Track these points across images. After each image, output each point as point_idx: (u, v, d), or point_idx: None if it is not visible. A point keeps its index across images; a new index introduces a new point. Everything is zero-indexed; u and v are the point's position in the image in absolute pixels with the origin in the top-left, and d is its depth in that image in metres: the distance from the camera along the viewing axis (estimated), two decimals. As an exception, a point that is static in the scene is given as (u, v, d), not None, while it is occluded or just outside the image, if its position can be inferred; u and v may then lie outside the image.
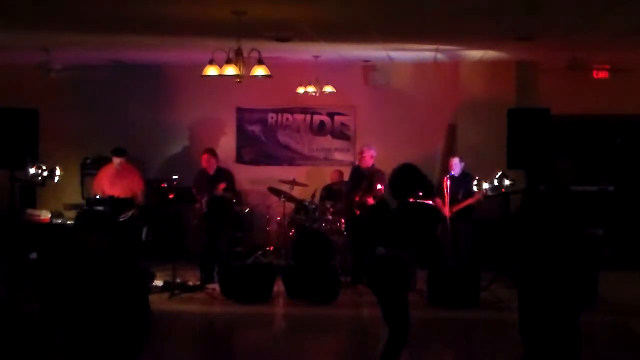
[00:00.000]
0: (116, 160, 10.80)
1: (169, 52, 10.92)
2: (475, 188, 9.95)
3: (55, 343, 5.12)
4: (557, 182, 6.15)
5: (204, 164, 10.50)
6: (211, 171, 10.48)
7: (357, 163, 10.79)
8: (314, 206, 10.95)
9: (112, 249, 5.21)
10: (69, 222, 10.81)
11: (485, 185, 9.79)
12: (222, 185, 10.51)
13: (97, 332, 4.92)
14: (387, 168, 10.95)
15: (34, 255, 9.90)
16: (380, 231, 6.11)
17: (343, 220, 10.67)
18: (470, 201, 10.13)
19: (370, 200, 10.16)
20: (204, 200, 10.27)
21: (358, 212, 10.24)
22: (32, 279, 8.93)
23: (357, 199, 10.24)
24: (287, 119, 12.74)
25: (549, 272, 5.79)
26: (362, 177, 10.40)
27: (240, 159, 12.83)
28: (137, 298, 5.12)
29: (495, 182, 9.68)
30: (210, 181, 10.36)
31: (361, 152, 10.61)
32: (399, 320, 5.97)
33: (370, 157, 10.40)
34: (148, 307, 5.23)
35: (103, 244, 5.17)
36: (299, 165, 12.65)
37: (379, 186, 10.20)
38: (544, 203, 6.08)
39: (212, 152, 10.62)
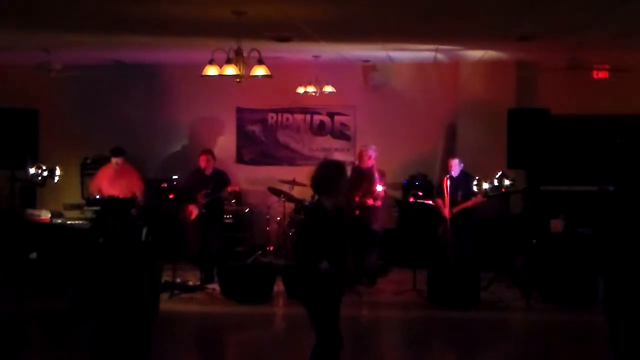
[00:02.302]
0: (114, 161, 10.78)
1: (169, 52, 10.92)
2: (475, 188, 9.94)
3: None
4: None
5: (202, 164, 10.49)
6: (208, 172, 10.48)
7: (357, 163, 10.77)
8: (314, 206, 10.93)
9: (123, 237, 5.31)
10: (69, 222, 10.81)
11: (485, 185, 9.79)
12: (235, 187, 10.55)
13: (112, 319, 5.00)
14: (388, 168, 11.08)
15: (34, 255, 9.91)
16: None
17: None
18: (468, 204, 10.11)
19: (370, 201, 10.17)
20: (202, 201, 10.27)
21: (358, 213, 10.24)
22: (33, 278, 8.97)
23: (357, 199, 10.24)
24: (287, 119, 12.74)
25: None
26: (363, 177, 10.38)
27: (240, 159, 12.83)
28: (148, 286, 5.19)
29: (495, 182, 9.68)
30: (206, 182, 10.35)
31: (360, 153, 10.60)
32: (326, 328, 5.88)
33: (369, 158, 10.39)
34: (157, 295, 5.31)
35: (117, 231, 5.28)
36: (299, 165, 12.64)
37: (379, 188, 10.21)
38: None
39: (211, 153, 10.62)
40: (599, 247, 5.99)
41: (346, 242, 5.93)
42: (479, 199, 9.95)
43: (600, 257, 5.94)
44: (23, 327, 6.34)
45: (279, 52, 9.92)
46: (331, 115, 12.66)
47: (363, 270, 10.40)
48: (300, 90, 11.25)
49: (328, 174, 5.99)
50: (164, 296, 9.51)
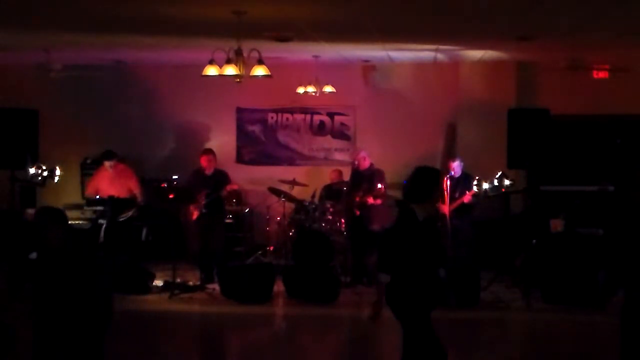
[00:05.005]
0: (107, 164, 10.75)
1: (169, 52, 10.92)
2: (475, 188, 9.95)
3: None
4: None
5: (204, 164, 10.48)
6: (209, 172, 10.47)
7: (356, 164, 10.73)
8: (314, 206, 10.95)
9: (68, 244, 5.26)
10: (69, 222, 10.79)
11: (485, 185, 9.79)
12: (234, 187, 10.57)
13: (57, 325, 4.99)
14: (387, 168, 11.07)
15: (33, 255, 9.89)
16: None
17: (343, 220, 10.69)
18: (462, 200, 10.11)
19: (370, 200, 10.17)
20: (203, 201, 10.27)
21: (358, 213, 10.25)
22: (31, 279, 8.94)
23: (357, 199, 10.25)
24: (287, 119, 12.74)
25: None
26: (362, 177, 10.41)
27: (240, 159, 12.83)
28: (95, 292, 5.16)
29: (495, 182, 9.68)
30: (207, 182, 10.35)
31: (356, 157, 10.64)
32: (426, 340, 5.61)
33: (364, 159, 10.42)
34: (109, 301, 5.28)
35: (60, 239, 5.22)
36: (299, 165, 12.66)
37: (379, 185, 10.21)
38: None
39: (212, 153, 10.62)
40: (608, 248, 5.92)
41: (439, 253, 5.54)
42: (471, 193, 9.96)
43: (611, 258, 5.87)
44: (10, 328, 6.33)
45: (279, 52, 9.92)
46: (331, 115, 12.66)
47: (363, 270, 10.40)
48: (300, 90, 11.25)
49: (424, 183, 5.57)
50: (164, 296, 9.54)
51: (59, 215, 5.44)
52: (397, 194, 11.88)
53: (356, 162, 10.57)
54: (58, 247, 5.18)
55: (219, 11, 7.11)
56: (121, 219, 10.58)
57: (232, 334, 8.84)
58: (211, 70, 7.57)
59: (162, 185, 11.51)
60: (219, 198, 10.42)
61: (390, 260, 5.42)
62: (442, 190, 10.17)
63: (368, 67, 12.42)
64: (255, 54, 7.58)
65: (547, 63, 11.44)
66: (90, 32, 8.92)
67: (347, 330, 8.87)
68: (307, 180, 11.86)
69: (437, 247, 5.50)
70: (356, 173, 10.60)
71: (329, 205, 10.86)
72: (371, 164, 10.48)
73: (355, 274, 10.39)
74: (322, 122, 12.71)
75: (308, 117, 12.70)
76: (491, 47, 10.25)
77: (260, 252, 11.50)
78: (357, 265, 10.45)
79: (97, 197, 10.71)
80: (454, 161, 10.46)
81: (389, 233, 5.61)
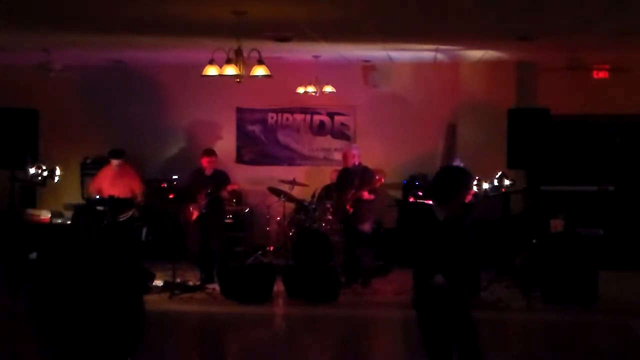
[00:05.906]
0: (114, 162, 10.81)
1: (169, 52, 10.92)
2: (475, 188, 9.94)
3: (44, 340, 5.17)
4: None
5: (205, 164, 10.48)
6: (209, 172, 10.47)
7: (343, 165, 10.66)
8: (314, 206, 10.95)
9: (105, 246, 5.26)
10: (69, 221, 10.82)
11: (485, 185, 9.79)
12: (234, 187, 10.56)
13: (87, 329, 4.97)
14: (387, 168, 11.11)
15: (33, 255, 9.90)
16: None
17: (335, 219, 10.69)
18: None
19: (366, 195, 10.15)
20: (203, 201, 10.27)
21: (351, 210, 10.20)
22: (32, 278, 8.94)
23: (350, 196, 10.22)
24: (287, 119, 12.74)
25: None
26: (352, 175, 10.35)
27: (240, 159, 12.83)
28: (131, 296, 5.16)
29: (495, 182, 9.68)
30: (206, 182, 10.34)
31: (344, 154, 10.57)
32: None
33: (353, 157, 10.41)
34: (142, 306, 5.28)
35: (97, 240, 5.23)
36: (299, 165, 12.65)
37: (377, 176, 10.19)
38: None
39: (214, 154, 10.61)
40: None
41: (465, 257, 5.36)
42: (471, 193, 9.95)
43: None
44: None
45: (279, 52, 9.92)
46: (331, 115, 12.66)
47: (359, 270, 10.37)
48: (300, 90, 11.25)
49: (450, 183, 5.43)
50: (164, 296, 9.53)
51: (98, 217, 5.46)
52: (396, 194, 11.96)
53: (345, 160, 10.52)
54: (92, 244, 5.17)
55: (219, 11, 7.11)
56: (121, 219, 10.58)
57: (232, 334, 8.84)
58: (211, 70, 7.57)
59: (162, 185, 11.51)
60: (219, 198, 10.42)
61: (411, 260, 5.34)
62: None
63: (368, 67, 12.41)
64: (255, 54, 7.58)
65: (547, 63, 11.44)
66: (90, 32, 8.92)
67: (347, 330, 8.87)
68: (307, 180, 11.86)
69: (457, 250, 5.31)
70: (345, 171, 10.54)
71: (329, 205, 10.86)
72: (360, 163, 10.45)
73: (351, 273, 10.35)
74: (322, 122, 12.71)
75: (308, 117, 12.71)
76: (491, 47, 10.25)
77: (260, 252, 11.50)
78: (352, 264, 10.40)
79: (97, 197, 10.72)
80: (453, 162, 10.45)
81: (405, 233, 5.52)
